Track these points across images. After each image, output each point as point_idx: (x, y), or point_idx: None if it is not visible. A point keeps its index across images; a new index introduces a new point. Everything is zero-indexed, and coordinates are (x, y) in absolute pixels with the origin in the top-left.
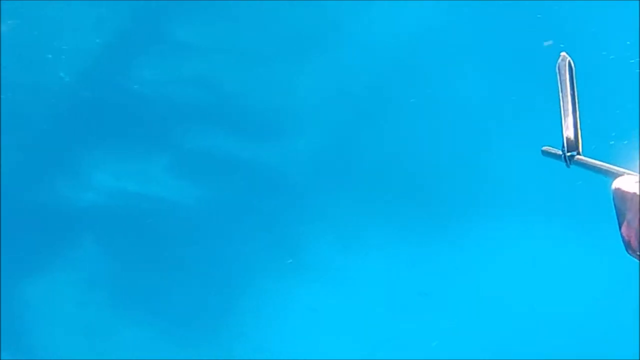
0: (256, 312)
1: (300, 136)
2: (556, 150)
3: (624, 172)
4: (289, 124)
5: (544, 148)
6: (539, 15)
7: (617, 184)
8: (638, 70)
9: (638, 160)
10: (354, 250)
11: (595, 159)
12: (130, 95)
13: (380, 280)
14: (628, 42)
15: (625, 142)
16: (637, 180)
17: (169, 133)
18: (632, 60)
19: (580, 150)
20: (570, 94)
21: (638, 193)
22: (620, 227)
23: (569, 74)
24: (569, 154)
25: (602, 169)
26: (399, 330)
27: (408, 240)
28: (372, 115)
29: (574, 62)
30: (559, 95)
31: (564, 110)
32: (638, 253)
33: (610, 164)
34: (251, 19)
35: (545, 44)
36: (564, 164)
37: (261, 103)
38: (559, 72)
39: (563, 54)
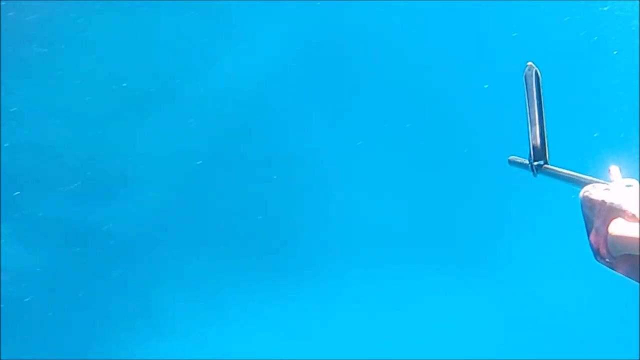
0: None
1: (141, 196)
2: (523, 159)
3: (592, 180)
4: (128, 185)
5: (511, 158)
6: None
7: (584, 192)
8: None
9: (612, 167)
10: (206, 306)
11: (562, 168)
12: None
13: (237, 336)
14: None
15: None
16: (604, 188)
17: (6, 201)
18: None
19: (548, 159)
20: (537, 104)
21: (605, 200)
22: (588, 235)
23: (536, 83)
24: (535, 163)
25: (569, 177)
26: None
27: (262, 294)
28: (212, 171)
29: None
30: (525, 105)
31: (530, 120)
32: (607, 260)
33: (578, 172)
34: (80, 82)
35: None
36: (531, 173)
37: (98, 166)
38: (526, 82)
39: (530, 63)
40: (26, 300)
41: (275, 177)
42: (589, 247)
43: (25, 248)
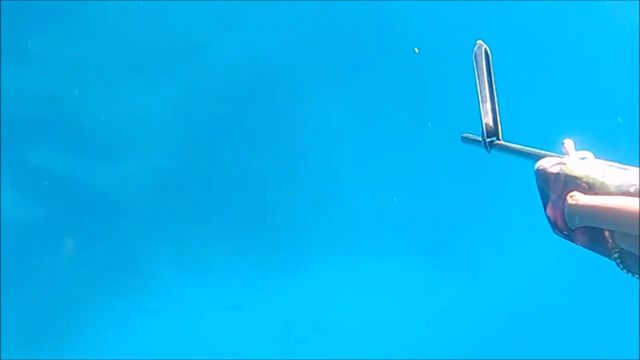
0: (91, 336)
1: (142, 158)
2: (475, 136)
3: (546, 154)
4: (132, 145)
5: (464, 135)
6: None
7: (539, 165)
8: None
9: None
10: (195, 276)
11: (515, 143)
12: None
13: (220, 307)
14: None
15: None
16: (559, 161)
17: (5, 146)
18: None
19: (500, 135)
20: (488, 81)
21: (560, 174)
22: (545, 209)
23: (485, 61)
24: (488, 139)
25: (522, 152)
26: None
27: (251, 270)
28: (219, 142)
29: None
30: (476, 83)
31: (481, 97)
32: (565, 232)
33: (531, 147)
34: (102, 35)
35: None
36: (485, 149)
37: (104, 122)
38: (476, 60)
39: (479, 42)
40: (20, 247)
41: (276, 154)
42: (546, 220)
43: (22, 197)
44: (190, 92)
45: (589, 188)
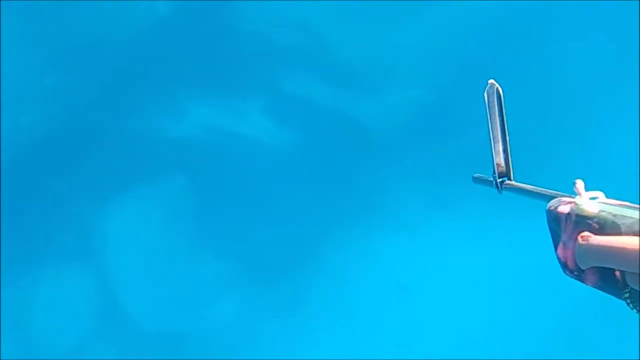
0: (334, 263)
1: (398, 92)
2: (487, 177)
3: (557, 194)
4: (388, 78)
5: (475, 175)
6: None
7: (550, 206)
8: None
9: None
10: (442, 210)
11: (526, 184)
12: (231, 30)
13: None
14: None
15: None
16: (570, 201)
17: (267, 74)
18: None
19: (512, 175)
20: (499, 121)
21: (571, 214)
22: (555, 249)
23: (497, 101)
24: (500, 180)
25: (534, 192)
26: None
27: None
28: (473, 79)
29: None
30: (487, 122)
31: (493, 137)
32: (575, 273)
33: (542, 187)
34: None
35: None
36: (496, 190)
37: (362, 54)
38: (487, 100)
39: (491, 81)
40: (270, 174)
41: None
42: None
43: (277, 123)
44: (450, 28)
45: (600, 228)
